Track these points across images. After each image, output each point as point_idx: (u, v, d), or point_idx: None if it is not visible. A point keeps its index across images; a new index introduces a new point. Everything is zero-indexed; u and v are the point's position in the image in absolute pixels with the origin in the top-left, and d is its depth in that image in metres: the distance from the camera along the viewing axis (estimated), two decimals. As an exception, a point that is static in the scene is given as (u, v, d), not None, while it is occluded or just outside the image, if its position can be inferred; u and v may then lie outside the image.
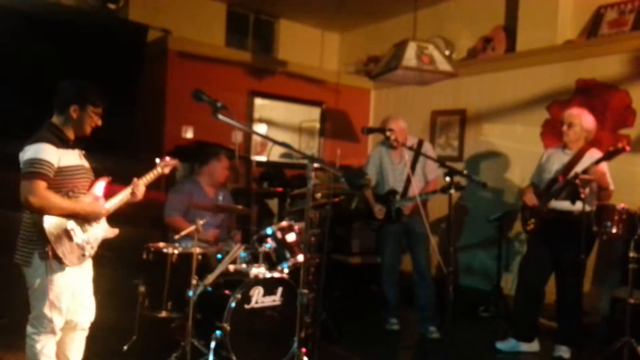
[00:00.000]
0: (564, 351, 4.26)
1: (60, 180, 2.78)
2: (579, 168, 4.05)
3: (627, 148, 3.71)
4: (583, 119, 4.28)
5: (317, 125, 7.81)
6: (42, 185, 2.66)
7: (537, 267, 4.38)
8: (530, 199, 4.34)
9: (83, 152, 3.00)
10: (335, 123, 7.80)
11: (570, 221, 4.00)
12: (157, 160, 3.35)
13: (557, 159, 4.36)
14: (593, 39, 5.58)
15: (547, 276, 4.39)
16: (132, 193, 3.11)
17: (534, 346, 4.43)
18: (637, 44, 5.18)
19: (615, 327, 4.35)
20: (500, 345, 4.49)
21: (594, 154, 4.16)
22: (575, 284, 4.07)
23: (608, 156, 3.83)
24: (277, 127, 7.78)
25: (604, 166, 3.96)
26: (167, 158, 3.41)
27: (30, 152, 2.70)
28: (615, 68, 5.33)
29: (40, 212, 2.67)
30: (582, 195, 3.72)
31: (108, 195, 3.03)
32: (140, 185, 3.14)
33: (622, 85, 5.28)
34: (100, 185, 2.99)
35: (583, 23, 5.81)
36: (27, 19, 5.10)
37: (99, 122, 2.96)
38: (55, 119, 2.87)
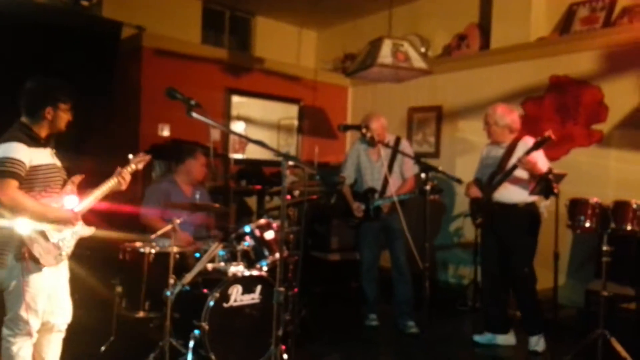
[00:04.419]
0: (535, 343, 4.31)
1: (33, 180, 2.75)
2: (513, 159, 4.22)
3: (553, 137, 3.90)
4: (497, 117, 4.39)
5: (295, 122, 7.80)
6: (13, 184, 2.63)
7: (492, 259, 4.49)
8: (473, 192, 4.47)
9: (54, 150, 2.97)
10: (314, 120, 7.80)
11: (514, 212, 4.22)
12: (130, 156, 3.31)
13: (494, 153, 4.49)
14: (565, 36, 5.67)
15: (503, 266, 4.45)
16: (118, 182, 3.08)
17: (510, 339, 4.49)
18: (609, 41, 5.28)
19: (589, 319, 4.43)
20: (478, 338, 4.55)
21: (528, 141, 4.28)
22: (524, 270, 4.25)
23: (536, 146, 3.99)
24: (256, 125, 7.75)
25: (535, 155, 4.08)
26: (140, 154, 3.38)
27: (0, 151, 2.67)
28: (588, 64, 5.42)
29: (11, 211, 2.64)
30: (555, 190, 3.79)
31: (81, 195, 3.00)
32: (126, 173, 3.11)
33: (594, 81, 5.37)
34: (71, 199, 2.94)
35: (556, 20, 5.90)
36: (-3, 17, 5.01)
37: (71, 117, 2.95)
38: (25, 119, 2.84)
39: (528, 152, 4.03)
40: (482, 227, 4.60)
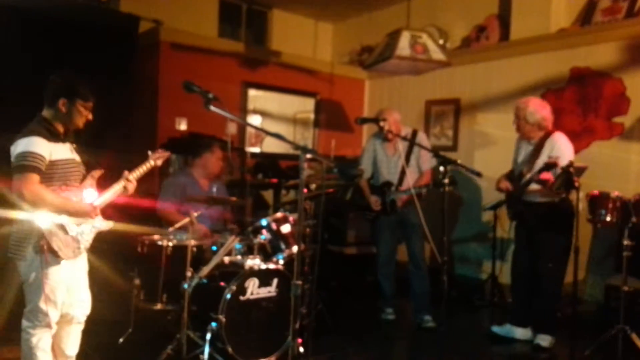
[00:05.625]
0: (542, 337, 4.26)
1: (52, 174, 2.76)
2: (540, 159, 4.10)
3: (558, 163, 3.79)
4: (527, 112, 4.21)
5: (312, 116, 7.79)
6: (34, 178, 2.65)
7: (522, 252, 4.43)
8: (504, 185, 4.39)
9: (74, 145, 2.98)
10: (330, 114, 7.78)
11: (544, 207, 4.13)
12: (149, 152, 3.33)
13: (524, 150, 4.38)
14: (587, 27, 5.58)
15: (534, 261, 4.39)
16: (124, 187, 3.09)
17: (527, 333, 4.44)
18: (631, 32, 5.18)
19: (609, 314, 4.38)
20: (496, 329, 4.52)
21: (556, 139, 4.15)
22: (548, 266, 4.15)
23: (546, 167, 3.87)
24: (272, 118, 7.75)
25: (561, 147, 4.03)
26: (159, 150, 3.39)
27: (21, 145, 2.69)
28: (609, 56, 5.32)
29: (32, 205, 2.66)
30: (576, 184, 3.73)
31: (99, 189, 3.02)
32: (131, 180, 3.11)
33: (616, 73, 5.28)
34: (91, 193, 2.96)
35: (577, 11, 5.80)
36: (16, 13, 5.05)
37: (90, 117, 2.94)
38: (46, 113, 2.85)
39: (540, 171, 3.92)
40: (515, 220, 4.48)
